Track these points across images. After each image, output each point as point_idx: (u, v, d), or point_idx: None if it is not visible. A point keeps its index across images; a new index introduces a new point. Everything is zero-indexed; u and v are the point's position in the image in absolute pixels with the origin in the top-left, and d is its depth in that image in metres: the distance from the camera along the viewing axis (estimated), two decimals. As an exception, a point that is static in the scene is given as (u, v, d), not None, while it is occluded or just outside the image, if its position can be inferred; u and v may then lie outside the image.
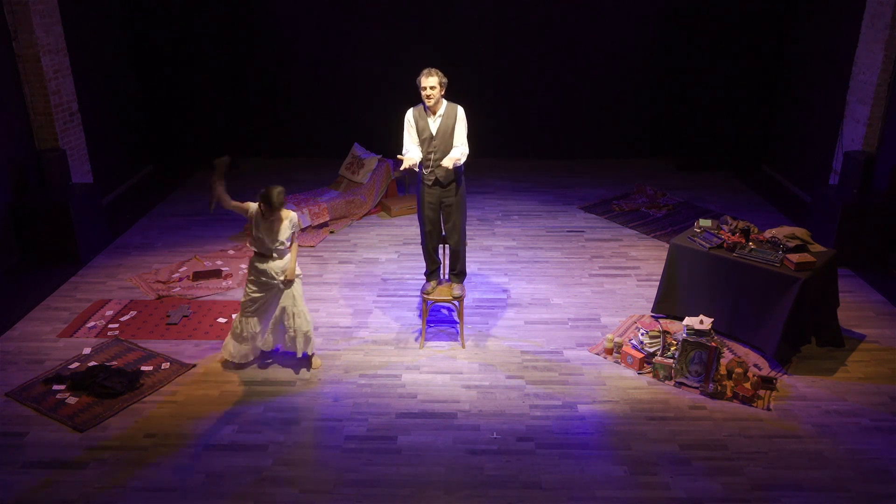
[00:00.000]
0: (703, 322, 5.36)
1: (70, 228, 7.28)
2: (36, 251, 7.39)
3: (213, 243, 8.03)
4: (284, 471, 4.58)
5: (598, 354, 5.85)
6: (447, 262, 6.07)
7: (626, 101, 10.69)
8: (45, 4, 7.53)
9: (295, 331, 5.49)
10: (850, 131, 7.94)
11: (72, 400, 5.22)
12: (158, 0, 9.95)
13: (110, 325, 6.26)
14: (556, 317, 6.45)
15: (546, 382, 5.49)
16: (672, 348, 5.57)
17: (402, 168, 5.55)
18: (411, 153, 5.63)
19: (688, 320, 5.43)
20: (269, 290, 5.42)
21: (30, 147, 7.65)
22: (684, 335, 5.36)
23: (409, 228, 8.38)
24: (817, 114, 9.01)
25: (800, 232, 5.95)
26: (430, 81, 5.48)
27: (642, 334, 5.77)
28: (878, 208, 7.13)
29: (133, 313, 6.47)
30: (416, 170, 5.70)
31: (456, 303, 5.97)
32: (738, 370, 5.38)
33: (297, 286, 5.50)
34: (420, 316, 6.27)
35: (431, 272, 6.06)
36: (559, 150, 10.94)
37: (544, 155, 10.95)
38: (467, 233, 6.51)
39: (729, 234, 6.08)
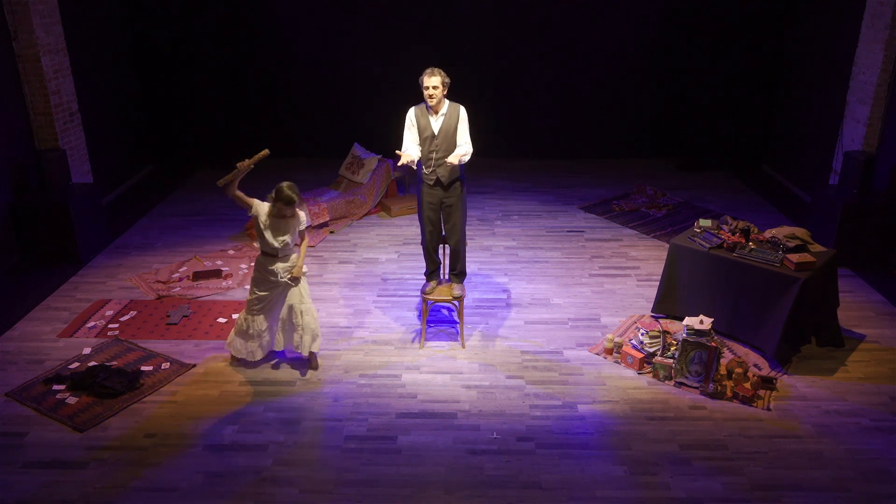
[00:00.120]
0: (703, 322, 5.36)
1: (70, 228, 7.28)
2: (36, 251, 7.39)
3: (213, 243, 8.03)
4: (284, 471, 4.58)
5: (598, 354, 5.85)
6: (447, 262, 6.07)
7: (626, 101, 10.69)
8: (45, 4, 7.52)
9: (303, 328, 5.48)
10: (850, 131, 7.94)
11: (72, 400, 5.22)
12: (158, 0, 9.96)
13: (110, 325, 6.26)
14: (556, 317, 6.44)
15: (546, 382, 5.49)
16: (672, 348, 5.57)
17: (399, 164, 5.54)
18: (410, 151, 5.63)
19: (688, 320, 5.43)
20: (274, 289, 5.43)
21: (30, 147, 7.64)
22: (684, 335, 5.36)
23: (409, 228, 8.38)
24: (817, 114, 9.01)
25: (800, 232, 5.95)
26: (433, 81, 5.48)
27: (642, 334, 5.77)
28: (878, 208, 7.14)
29: (133, 313, 6.47)
30: (415, 167, 5.70)
31: (456, 303, 5.97)
32: (738, 370, 5.38)
33: (304, 284, 5.51)
34: (420, 316, 6.27)
35: (431, 272, 6.06)
36: (559, 150, 10.94)
37: (544, 155, 10.95)
38: (467, 233, 6.51)
39: (729, 234, 6.08)
